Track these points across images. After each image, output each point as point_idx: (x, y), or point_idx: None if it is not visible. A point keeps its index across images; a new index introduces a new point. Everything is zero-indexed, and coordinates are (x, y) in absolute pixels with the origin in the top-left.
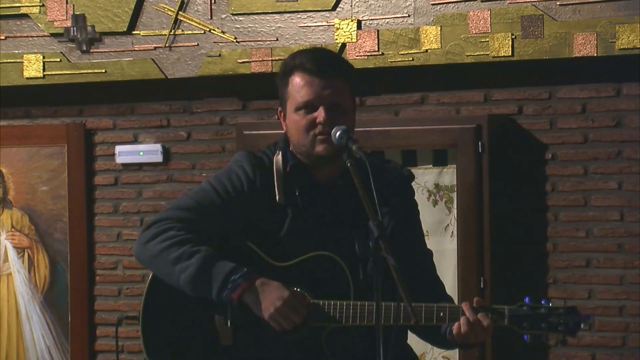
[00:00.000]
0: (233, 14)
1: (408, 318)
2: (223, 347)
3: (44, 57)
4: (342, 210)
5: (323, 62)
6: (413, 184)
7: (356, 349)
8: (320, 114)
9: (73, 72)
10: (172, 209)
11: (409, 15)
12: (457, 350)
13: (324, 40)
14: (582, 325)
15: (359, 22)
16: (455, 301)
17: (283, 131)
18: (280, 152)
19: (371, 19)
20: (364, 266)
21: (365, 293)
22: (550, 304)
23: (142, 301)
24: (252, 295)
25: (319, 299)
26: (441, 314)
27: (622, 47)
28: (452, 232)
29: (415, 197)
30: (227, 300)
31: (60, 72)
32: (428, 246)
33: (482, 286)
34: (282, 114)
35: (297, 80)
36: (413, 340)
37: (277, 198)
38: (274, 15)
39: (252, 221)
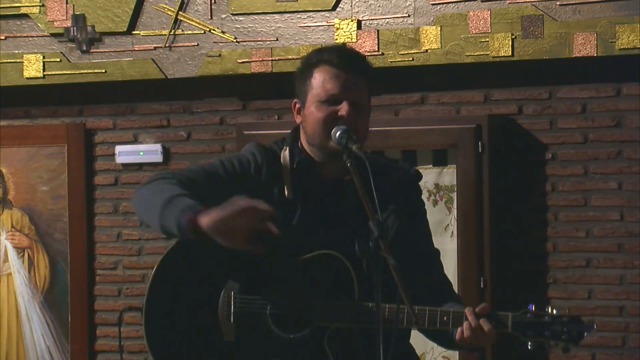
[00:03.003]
0: (233, 14)
1: (410, 321)
2: (225, 344)
3: (44, 57)
4: (348, 209)
5: (351, 59)
6: None
7: (357, 349)
8: (343, 108)
9: (73, 72)
10: (176, 171)
11: (409, 15)
12: (456, 351)
13: (324, 40)
14: (585, 335)
15: (359, 22)
16: None
17: (283, 131)
18: (288, 148)
19: (371, 19)
20: (368, 265)
21: (369, 292)
22: (554, 312)
23: (145, 296)
24: (205, 215)
25: (324, 297)
26: (444, 319)
27: (622, 47)
28: (452, 232)
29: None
30: (184, 224)
31: (60, 72)
32: None
33: (482, 286)
34: (297, 107)
35: (323, 73)
36: (413, 340)
37: (286, 193)
38: (274, 15)
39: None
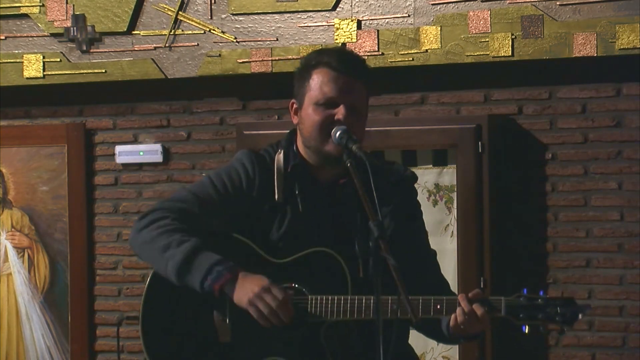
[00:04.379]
0: (233, 14)
1: (406, 312)
2: (222, 345)
3: (44, 57)
4: (343, 210)
5: (350, 62)
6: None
7: (354, 344)
8: (340, 112)
9: (73, 72)
10: (169, 200)
11: (409, 15)
12: (457, 350)
13: (324, 40)
14: (579, 316)
15: (359, 22)
16: None
17: (283, 131)
18: (282, 151)
19: (371, 19)
20: (364, 265)
21: (363, 291)
22: (548, 295)
23: (141, 300)
24: (233, 286)
25: (317, 294)
26: (438, 306)
27: (622, 47)
28: (452, 232)
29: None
30: (209, 290)
31: (60, 72)
32: None
33: (482, 286)
34: (295, 108)
35: (322, 75)
36: (413, 340)
37: (276, 197)
38: (274, 15)
39: (250, 219)
